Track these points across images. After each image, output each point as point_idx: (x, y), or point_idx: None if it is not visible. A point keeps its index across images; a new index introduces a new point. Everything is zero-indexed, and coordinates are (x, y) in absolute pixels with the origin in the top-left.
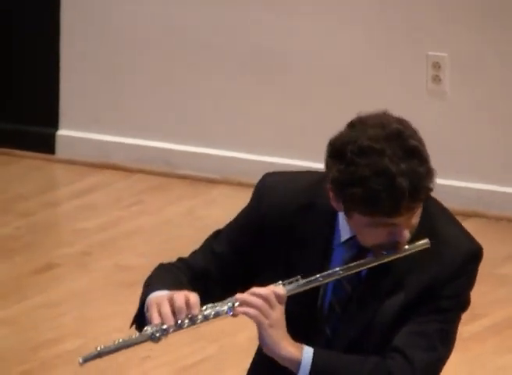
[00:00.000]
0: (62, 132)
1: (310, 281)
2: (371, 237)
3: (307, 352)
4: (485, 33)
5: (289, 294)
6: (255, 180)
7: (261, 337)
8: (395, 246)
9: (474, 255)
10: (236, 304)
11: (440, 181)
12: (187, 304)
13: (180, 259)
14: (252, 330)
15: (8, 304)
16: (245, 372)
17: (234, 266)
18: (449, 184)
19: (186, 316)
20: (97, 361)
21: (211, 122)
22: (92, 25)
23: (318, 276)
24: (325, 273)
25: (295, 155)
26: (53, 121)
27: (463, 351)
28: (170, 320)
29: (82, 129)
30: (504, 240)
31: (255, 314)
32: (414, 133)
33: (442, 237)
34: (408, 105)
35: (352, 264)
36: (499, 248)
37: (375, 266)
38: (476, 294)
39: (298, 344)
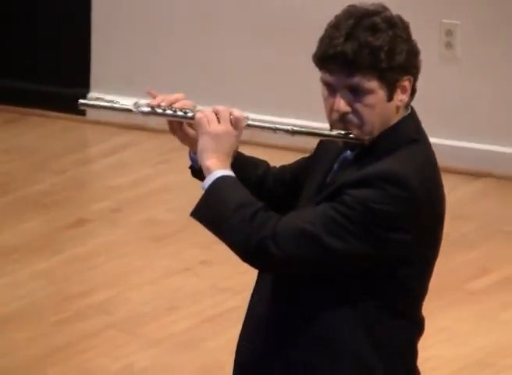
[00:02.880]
0: (93, 94)
1: (267, 126)
2: (327, 107)
3: (224, 172)
4: (493, 3)
5: (248, 127)
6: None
7: (198, 143)
8: (343, 127)
9: (388, 175)
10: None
11: (453, 143)
12: (176, 100)
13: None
14: None
15: (43, 257)
16: None
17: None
18: (461, 146)
19: (169, 105)
20: (125, 313)
21: (240, 84)
22: None
23: (276, 125)
24: (282, 125)
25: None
26: (84, 83)
27: (473, 304)
28: (155, 101)
29: (112, 91)
30: None
31: (200, 116)
32: (393, 24)
33: (386, 158)
34: (422, 70)
35: (303, 129)
36: (508, 205)
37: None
38: (485, 250)
39: (227, 165)
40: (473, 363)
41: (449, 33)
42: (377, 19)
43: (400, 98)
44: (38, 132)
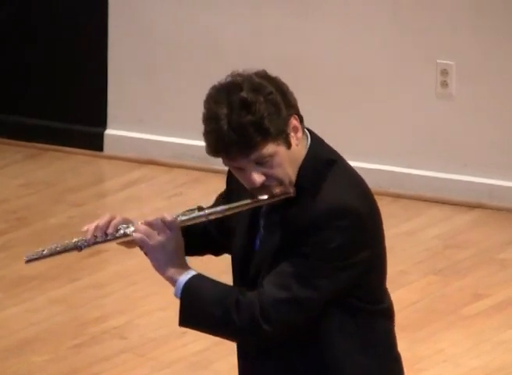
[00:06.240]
0: (109, 131)
1: (198, 215)
2: (242, 181)
3: (186, 275)
4: (486, 44)
5: (182, 224)
6: None
7: (149, 260)
8: (267, 191)
9: (339, 211)
10: (132, 230)
11: (448, 175)
12: (108, 224)
13: None
14: None
15: (60, 284)
16: None
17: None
18: (456, 178)
19: (104, 233)
20: (138, 337)
21: None
22: (137, 31)
23: (206, 212)
24: (212, 209)
25: None
26: (102, 121)
27: (467, 327)
28: (89, 234)
29: (127, 128)
30: (504, 228)
31: (138, 237)
32: (256, 88)
33: (320, 191)
34: (419, 106)
35: (233, 205)
36: (499, 235)
37: (277, 205)
38: (479, 276)
39: (185, 267)
40: None
41: (444, 72)
42: (244, 94)
43: (297, 137)
44: (57, 167)
